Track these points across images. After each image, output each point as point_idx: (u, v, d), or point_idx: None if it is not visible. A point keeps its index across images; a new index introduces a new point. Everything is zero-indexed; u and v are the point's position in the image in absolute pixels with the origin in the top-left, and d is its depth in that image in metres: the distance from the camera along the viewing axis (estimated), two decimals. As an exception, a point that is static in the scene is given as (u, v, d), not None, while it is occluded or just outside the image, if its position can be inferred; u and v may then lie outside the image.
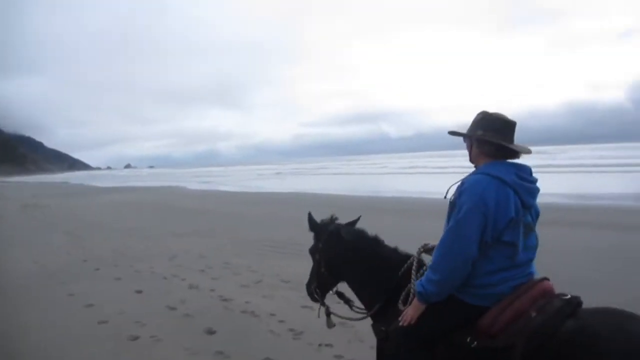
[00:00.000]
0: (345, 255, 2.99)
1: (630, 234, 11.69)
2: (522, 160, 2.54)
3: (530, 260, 2.45)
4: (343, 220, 3.30)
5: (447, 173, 38.09)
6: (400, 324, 2.45)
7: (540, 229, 2.58)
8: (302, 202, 19.15)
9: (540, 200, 2.56)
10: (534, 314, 2.19)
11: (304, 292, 3.46)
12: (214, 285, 7.59)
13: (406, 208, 17.14)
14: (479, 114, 2.50)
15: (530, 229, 2.42)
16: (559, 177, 33.66)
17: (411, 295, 2.54)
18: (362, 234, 3.04)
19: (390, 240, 3.14)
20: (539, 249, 2.55)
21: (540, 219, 2.60)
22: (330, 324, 3.21)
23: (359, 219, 3.24)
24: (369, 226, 3.21)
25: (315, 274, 3.17)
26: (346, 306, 3.22)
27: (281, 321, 5.71)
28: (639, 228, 12.35)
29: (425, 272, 2.46)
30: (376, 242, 2.99)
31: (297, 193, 27.20)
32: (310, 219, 3.20)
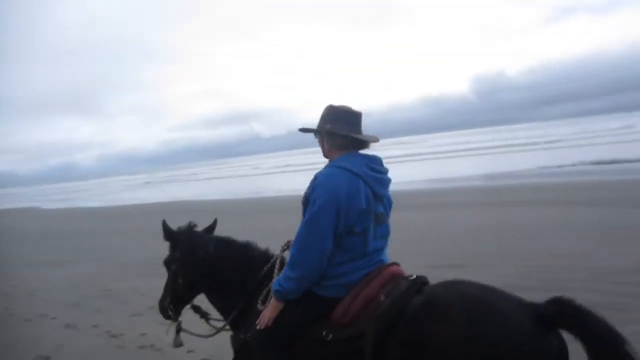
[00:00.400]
0: (205, 263, 2.86)
1: (500, 209, 12.88)
2: (378, 151, 2.62)
3: (381, 248, 2.49)
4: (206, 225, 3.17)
5: (319, 169, 39.01)
6: (258, 326, 2.41)
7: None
8: (179, 211, 17.84)
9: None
10: (382, 298, 2.25)
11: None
12: (96, 319, 6.41)
13: (286, 207, 16.92)
14: (325, 108, 2.54)
15: (381, 219, 2.47)
16: (424, 164, 36.64)
17: (271, 294, 2.51)
18: (224, 238, 2.97)
19: (271, 241, 2.91)
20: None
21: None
22: (177, 343, 3.01)
23: (215, 222, 3.16)
24: (249, 229, 2.93)
25: (170, 288, 3.00)
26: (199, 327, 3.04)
27: (190, 351, 4.90)
28: (502, 204, 13.73)
29: (283, 270, 2.44)
30: (242, 245, 2.91)
31: (172, 202, 25.55)
32: (165, 227, 3.00)
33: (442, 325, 2.00)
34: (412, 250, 8.95)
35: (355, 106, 2.58)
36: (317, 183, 2.36)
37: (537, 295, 5.78)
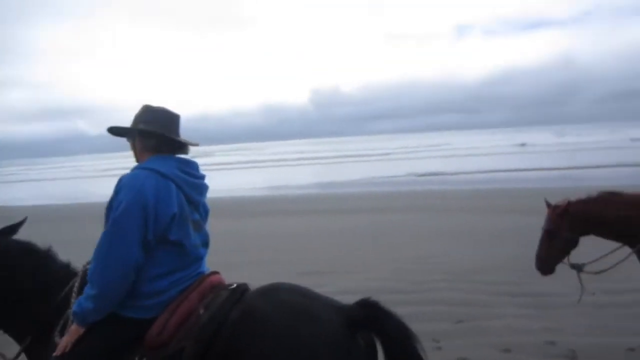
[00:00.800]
0: None
1: (345, 216, 13.41)
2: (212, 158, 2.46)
3: (200, 258, 2.37)
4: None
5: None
6: (55, 354, 2.12)
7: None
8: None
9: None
10: (202, 311, 2.13)
11: None
12: None
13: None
14: (140, 108, 2.39)
15: (199, 227, 2.35)
16: (265, 171, 36.94)
17: (69, 321, 2.22)
18: (20, 247, 2.50)
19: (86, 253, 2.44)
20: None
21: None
22: None
23: (24, 220, 2.64)
24: (63, 239, 2.39)
25: None
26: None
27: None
28: (345, 211, 14.41)
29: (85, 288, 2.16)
30: (41, 258, 2.48)
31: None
32: None
33: (259, 337, 1.99)
34: (277, 258, 8.71)
35: (197, 109, 2.25)
36: (122, 186, 2.14)
37: (410, 298, 5.91)
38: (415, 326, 5.06)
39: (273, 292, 2.16)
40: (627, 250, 3.87)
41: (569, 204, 3.91)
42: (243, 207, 16.92)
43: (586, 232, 3.93)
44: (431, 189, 19.17)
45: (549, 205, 4.01)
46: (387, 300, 6.15)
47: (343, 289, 6.40)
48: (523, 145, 47.10)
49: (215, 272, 2.37)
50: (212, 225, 2.46)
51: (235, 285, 2.25)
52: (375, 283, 6.58)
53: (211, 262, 2.41)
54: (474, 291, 6.03)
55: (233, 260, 8.56)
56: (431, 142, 68.59)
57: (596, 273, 3.98)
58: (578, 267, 4.01)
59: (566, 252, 3.97)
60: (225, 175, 35.14)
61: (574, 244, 3.94)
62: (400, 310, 6.17)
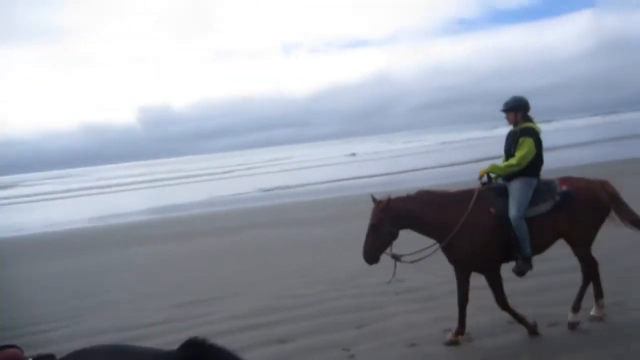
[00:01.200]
0: None
1: (196, 241, 12.83)
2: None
3: None
4: None
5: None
6: None
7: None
8: None
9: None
10: None
11: None
12: None
13: None
14: None
15: None
16: (92, 199, 33.30)
17: None
18: None
19: None
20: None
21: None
22: None
23: None
24: None
25: None
26: None
27: None
28: (192, 235, 13.80)
29: None
30: None
31: None
32: None
33: None
34: (150, 292, 7.88)
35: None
36: None
37: (305, 312, 5.81)
38: (320, 338, 5.08)
39: (81, 355, 1.95)
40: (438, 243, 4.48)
41: (390, 200, 4.42)
42: (79, 242, 14.98)
43: (404, 226, 4.48)
44: (281, 203, 19.46)
45: (374, 201, 4.46)
46: (284, 319, 5.99)
47: (237, 313, 6.10)
48: (354, 154, 51.11)
49: (10, 346, 2.05)
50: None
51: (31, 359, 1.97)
52: (266, 303, 6.40)
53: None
54: (362, 295, 6.26)
55: (101, 300, 7.58)
56: (270, 156, 70.22)
57: (411, 262, 4.57)
58: (397, 257, 4.57)
59: (388, 243, 4.47)
60: (42, 208, 30.63)
61: (394, 236, 4.47)
62: (300, 325, 6.05)
